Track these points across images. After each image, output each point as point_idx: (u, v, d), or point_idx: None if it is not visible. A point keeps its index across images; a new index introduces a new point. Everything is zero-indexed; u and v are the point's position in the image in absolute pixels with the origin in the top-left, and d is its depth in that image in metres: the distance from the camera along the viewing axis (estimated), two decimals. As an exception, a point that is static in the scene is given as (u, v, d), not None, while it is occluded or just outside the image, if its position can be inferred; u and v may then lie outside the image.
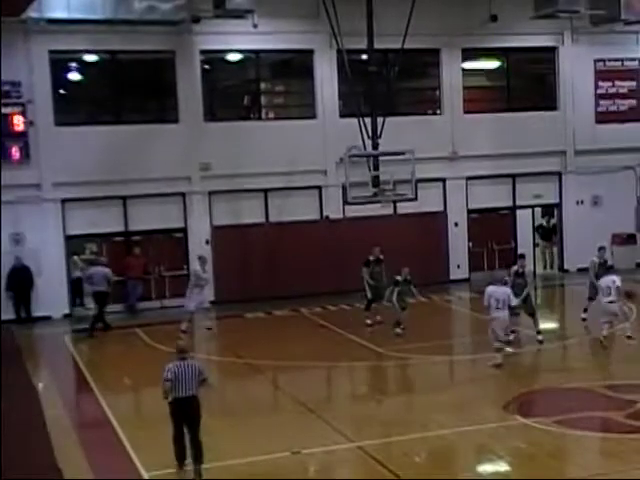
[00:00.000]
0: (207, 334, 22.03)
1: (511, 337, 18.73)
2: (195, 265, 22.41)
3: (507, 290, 17.50)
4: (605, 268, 21.00)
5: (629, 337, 18.84)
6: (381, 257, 22.02)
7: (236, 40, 25.87)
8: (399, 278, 20.35)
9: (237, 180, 25.84)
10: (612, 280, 18.54)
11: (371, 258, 21.84)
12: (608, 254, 26.77)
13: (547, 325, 23.31)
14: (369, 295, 21.66)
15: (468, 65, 28.58)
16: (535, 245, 29.88)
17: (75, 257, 26.06)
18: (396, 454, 12.73)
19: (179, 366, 12.59)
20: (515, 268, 19.51)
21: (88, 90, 26.27)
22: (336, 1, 23.12)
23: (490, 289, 17.51)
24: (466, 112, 28.08)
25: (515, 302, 17.85)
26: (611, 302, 18.53)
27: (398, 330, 20.07)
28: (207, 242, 25.91)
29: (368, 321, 21.62)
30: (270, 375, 18.02)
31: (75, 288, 25.90)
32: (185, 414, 12.52)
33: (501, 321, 17.43)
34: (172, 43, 25.30)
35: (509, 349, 18.28)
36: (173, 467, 12.42)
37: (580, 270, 24.44)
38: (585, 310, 21.61)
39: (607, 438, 13.34)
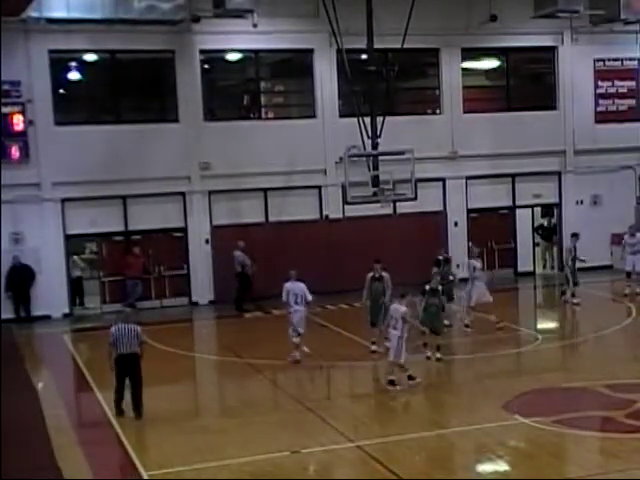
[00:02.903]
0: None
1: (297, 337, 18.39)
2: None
3: (302, 285, 18.14)
4: (575, 256, 23.16)
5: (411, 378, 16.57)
6: (449, 256, 21.92)
7: (236, 40, 25.88)
8: (427, 287, 18.25)
9: (237, 180, 25.85)
10: (395, 309, 16.25)
11: (440, 257, 21.39)
12: (607, 254, 27.06)
13: (547, 325, 23.44)
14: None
15: (468, 65, 28.59)
16: (535, 245, 29.89)
17: (75, 257, 26.13)
18: (396, 454, 12.72)
19: (119, 328, 14.68)
20: (371, 274, 19.47)
21: (88, 90, 26.27)
22: (336, 1, 23.11)
23: (288, 285, 18.26)
24: (466, 112, 28.09)
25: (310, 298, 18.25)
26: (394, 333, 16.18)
27: (434, 354, 18.05)
28: (207, 241, 25.93)
29: (446, 322, 20.62)
30: (270, 375, 18.01)
31: (76, 287, 25.95)
32: (127, 369, 14.60)
33: (298, 316, 18.10)
34: (172, 43, 25.30)
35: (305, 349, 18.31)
36: (173, 467, 12.44)
37: (580, 270, 24.43)
38: (563, 293, 23.64)
39: (607, 438, 13.32)
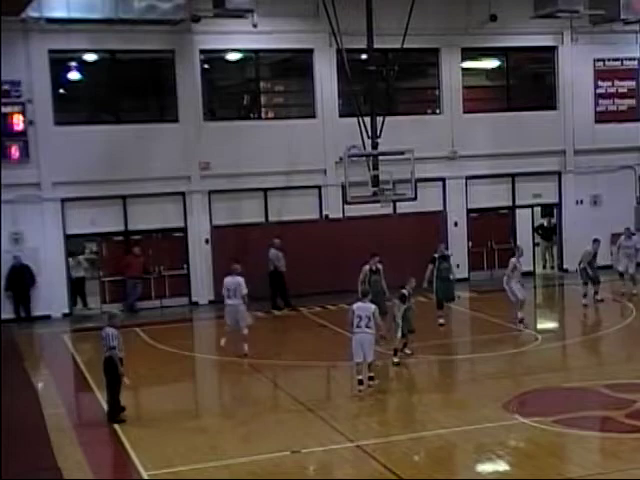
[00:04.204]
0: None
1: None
2: None
3: (239, 279, 19.00)
4: (595, 260, 23.60)
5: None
6: (447, 253, 22.04)
7: (236, 39, 25.88)
8: (405, 292, 18.01)
9: (237, 179, 25.85)
10: (361, 307, 15.97)
11: (436, 255, 21.51)
12: (607, 254, 27.04)
13: (547, 325, 23.43)
14: (439, 294, 21.30)
15: (468, 65, 28.58)
16: (535, 245, 29.89)
17: (80, 257, 26.17)
18: (395, 453, 12.72)
19: (103, 330, 14.88)
20: (368, 266, 20.20)
21: (88, 90, 26.25)
22: (336, 0, 23.11)
23: (225, 279, 19.23)
24: (466, 112, 28.08)
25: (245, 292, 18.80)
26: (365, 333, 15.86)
27: (395, 360, 17.88)
28: (207, 241, 25.93)
29: (441, 320, 21.21)
30: (270, 375, 18.01)
31: (78, 288, 25.96)
32: (105, 372, 14.76)
33: (232, 310, 18.81)
34: (172, 42, 25.30)
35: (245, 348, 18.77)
36: (173, 467, 12.44)
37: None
38: (585, 295, 23.38)
39: (607, 437, 13.34)
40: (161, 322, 23.62)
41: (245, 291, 18.92)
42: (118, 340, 14.73)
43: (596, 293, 23.66)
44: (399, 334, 17.80)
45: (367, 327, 15.74)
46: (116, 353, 14.63)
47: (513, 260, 21.24)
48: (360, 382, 15.85)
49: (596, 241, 23.63)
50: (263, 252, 25.26)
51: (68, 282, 25.25)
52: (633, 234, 25.55)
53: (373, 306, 16.02)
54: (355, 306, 16.01)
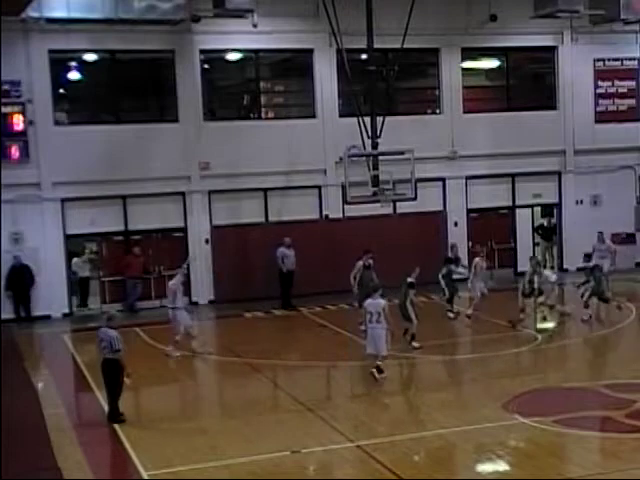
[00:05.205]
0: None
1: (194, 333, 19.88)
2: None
3: (177, 281, 19.67)
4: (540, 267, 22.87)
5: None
6: (450, 255, 23.01)
7: (236, 39, 25.91)
8: (413, 280, 19.31)
9: (237, 179, 25.86)
10: (372, 304, 16.61)
11: (450, 255, 22.66)
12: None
13: (546, 324, 23.41)
14: (450, 289, 22.32)
15: (467, 65, 28.61)
16: (535, 245, 29.89)
17: (87, 256, 26.19)
18: (396, 453, 12.71)
19: (102, 331, 14.74)
20: (361, 263, 21.28)
21: (88, 89, 26.28)
22: (336, 1, 23.12)
23: (174, 281, 19.91)
24: (466, 112, 28.11)
25: None
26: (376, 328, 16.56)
27: (415, 344, 18.95)
28: (207, 241, 25.94)
29: (451, 315, 22.35)
30: (270, 375, 18.02)
31: (84, 287, 25.94)
32: (106, 373, 14.62)
33: (184, 316, 19.63)
34: (172, 42, 25.33)
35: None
36: (173, 467, 12.44)
37: (579, 270, 24.48)
38: (522, 310, 21.75)
39: (607, 437, 13.34)
40: (161, 322, 23.56)
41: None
42: (122, 342, 14.67)
43: (541, 304, 22.65)
44: (415, 320, 18.91)
45: (377, 322, 16.42)
46: (122, 356, 14.55)
47: (477, 259, 22.75)
48: (379, 370, 16.49)
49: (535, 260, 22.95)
50: (263, 252, 25.31)
51: (68, 282, 25.25)
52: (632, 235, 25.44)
53: (383, 302, 16.62)
54: (366, 303, 16.81)
